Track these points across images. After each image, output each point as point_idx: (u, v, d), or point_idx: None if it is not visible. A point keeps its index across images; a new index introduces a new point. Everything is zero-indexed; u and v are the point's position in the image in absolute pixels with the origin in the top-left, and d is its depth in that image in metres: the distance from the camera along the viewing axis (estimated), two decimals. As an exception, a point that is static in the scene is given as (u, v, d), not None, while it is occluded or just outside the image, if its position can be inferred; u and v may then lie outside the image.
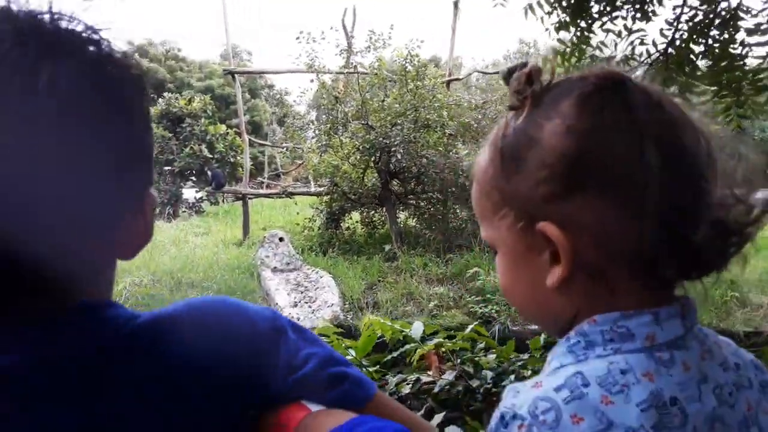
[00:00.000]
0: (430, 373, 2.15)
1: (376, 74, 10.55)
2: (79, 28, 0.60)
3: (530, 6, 2.71)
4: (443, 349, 2.18)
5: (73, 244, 0.59)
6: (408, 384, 2.00)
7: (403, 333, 2.28)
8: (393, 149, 9.88)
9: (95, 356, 0.60)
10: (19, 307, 0.59)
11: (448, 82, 12.44)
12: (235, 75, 12.56)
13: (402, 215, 11.43)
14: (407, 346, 2.24)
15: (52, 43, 0.57)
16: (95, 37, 0.61)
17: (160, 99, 16.76)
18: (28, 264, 0.56)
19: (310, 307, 8.24)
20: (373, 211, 11.35)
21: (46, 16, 0.59)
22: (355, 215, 11.56)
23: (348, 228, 11.50)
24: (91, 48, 0.60)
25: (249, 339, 0.70)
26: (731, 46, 2.32)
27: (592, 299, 0.62)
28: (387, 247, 10.09)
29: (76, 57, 0.58)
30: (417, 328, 2.29)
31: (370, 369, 2.11)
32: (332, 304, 8.15)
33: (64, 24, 0.60)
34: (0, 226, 0.54)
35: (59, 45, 0.58)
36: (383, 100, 10.53)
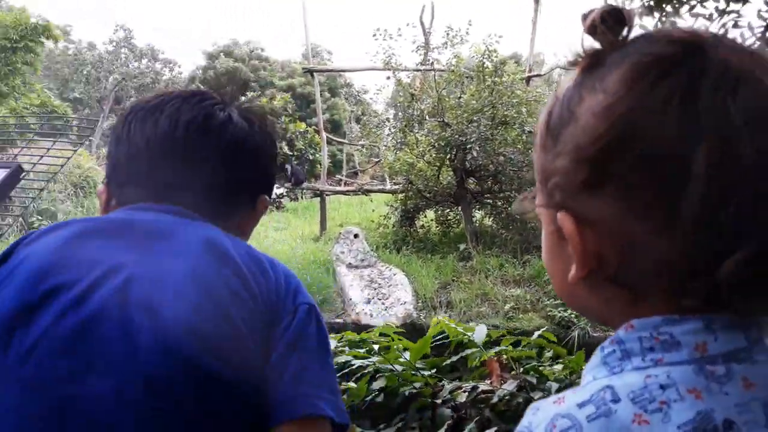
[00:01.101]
0: (489, 381, 2.02)
1: (453, 71, 10.39)
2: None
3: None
4: (505, 356, 2.05)
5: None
6: (465, 392, 1.88)
7: (466, 336, 2.16)
8: (469, 146, 9.70)
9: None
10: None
11: (528, 79, 12.10)
12: (314, 73, 12.75)
13: (478, 214, 11.21)
14: (468, 351, 2.13)
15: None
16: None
17: (242, 98, 17.30)
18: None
19: (383, 303, 8.25)
20: (448, 210, 11.21)
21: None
22: (430, 213, 11.46)
23: (422, 226, 11.41)
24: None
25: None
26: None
27: (619, 304, 0.53)
28: (462, 247, 9.94)
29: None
30: (480, 332, 2.16)
31: (425, 373, 2.01)
32: (405, 302, 8.13)
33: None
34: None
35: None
36: (460, 97, 10.36)
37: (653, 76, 0.48)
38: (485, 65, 10.00)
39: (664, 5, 2.44)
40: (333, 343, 2.23)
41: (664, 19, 2.38)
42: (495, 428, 1.63)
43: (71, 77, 30.76)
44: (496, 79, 9.98)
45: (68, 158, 2.30)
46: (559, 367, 2.11)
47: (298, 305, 0.89)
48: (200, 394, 0.76)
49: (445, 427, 1.68)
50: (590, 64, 0.53)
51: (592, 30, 0.53)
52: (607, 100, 0.49)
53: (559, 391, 2.00)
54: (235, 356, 0.79)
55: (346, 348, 2.21)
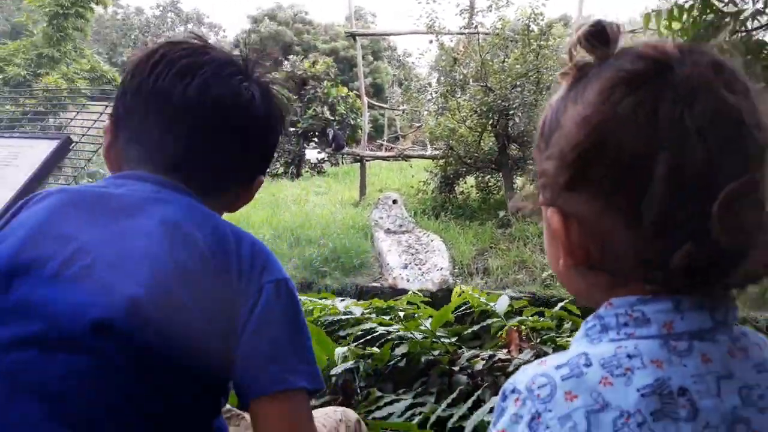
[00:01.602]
0: (508, 350, 2.06)
1: (498, 34, 10.19)
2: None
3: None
4: (524, 327, 2.08)
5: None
6: (482, 360, 1.93)
7: (489, 306, 2.20)
8: (512, 112, 9.57)
9: None
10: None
11: (575, 42, 11.76)
12: (356, 37, 12.67)
13: (519, 181, 11.10)
14: (489, 321, 2.17)
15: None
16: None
17: (286, 62, 17.35)
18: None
19: (420, 269, 8.32)
20: (488, 176, 11.13)
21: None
22: (470, 180, 11.40)
23: (462, 192, 11.38)
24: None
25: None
26: None
27: (602, 287, 0.61)
28: (501, 214, 9.88)
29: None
30: (502, 303, 2.20)
31: (445, 341, 2.06)
32: (441, 268, 8.18)
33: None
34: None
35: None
36: (504, 61, 10.17)
37: (623, 91, 0.55)
38: (531, 29, 9.76)
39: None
40: (359, 311, 2.30)
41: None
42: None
43: (119, 42, 31.34)
44: (542, 42, 9.76)
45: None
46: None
47: (263, 284, 0.89)
48: (146, 377, 0.81)
49: (457, 392, 1.75)
50: (577, 77, 0.59)
51: (578, 45, 0.59)
52: (585, 111, 0.58)
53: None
54: (185, 339, 0.81)
55: (373, 315, 2.28)
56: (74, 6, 14.05)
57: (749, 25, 2.13)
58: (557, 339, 2.10)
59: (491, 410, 1.62)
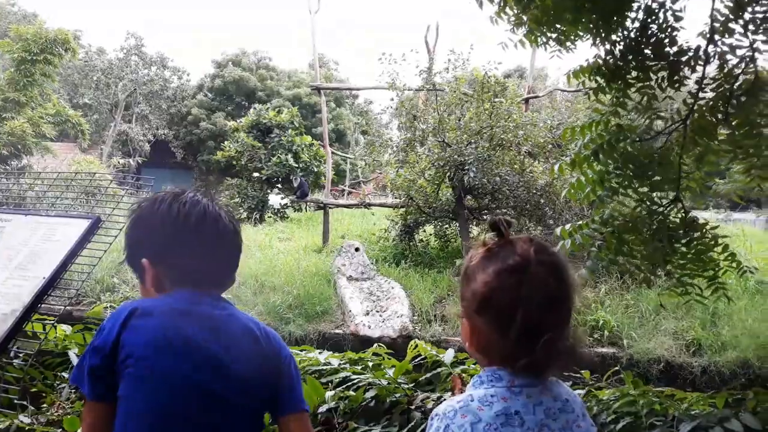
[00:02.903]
0: (452, 393, 2.56)
1: (454, 93, 10.90)
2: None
3: (574, 72, 3.06)
4: (465, 375, 2.61)
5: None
6: (432, 401, 2.46)
7: (438, 357, 2.73)
8: (467, 166, 10.19)
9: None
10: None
11: (527, 100, 12.64)
12: (321, 90, 13.30)
13: (475, 230, 11.70)
14: (439, 369, 2.69)
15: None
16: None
17: (251, 110, 17.83)
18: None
19: (381, 316, 8.70)
20: (446, 225, 11.68)
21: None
22: (429, 228, 11.93)
23: (421, 240, 11.89)
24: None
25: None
26: (751, 116, 2.57)
27: (485, 362, 1.17)
28: (458, 262, 10.36)
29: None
30: (449, 354, 2.75)
31: (405, 386, 2.58)
32: (402, 315, 8.58)
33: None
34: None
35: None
36: (460, 119, 10.87)
37: (505, 275, 1.10)
38: (485, 89, 10.50)
39: (614, 85, 2.97)
40: (336, 362, 2.81)
41: (615, 98, 2.91)
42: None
43: (81, 82, 31.20)
44: (495, 102, 10.50)
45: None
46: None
47: (283, 357, 1.52)
48: (229, 400, 1.41)
49: (413, 423, 2.29)
50: (487, 253, 1.12)
51: (490, 229, 1.10)
52: (485, 279, 1.12)
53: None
54: (250, 382, 1.43)
55: (347, 365, 2.78)
56: (43, 53, 14.27)
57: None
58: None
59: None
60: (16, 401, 2.49)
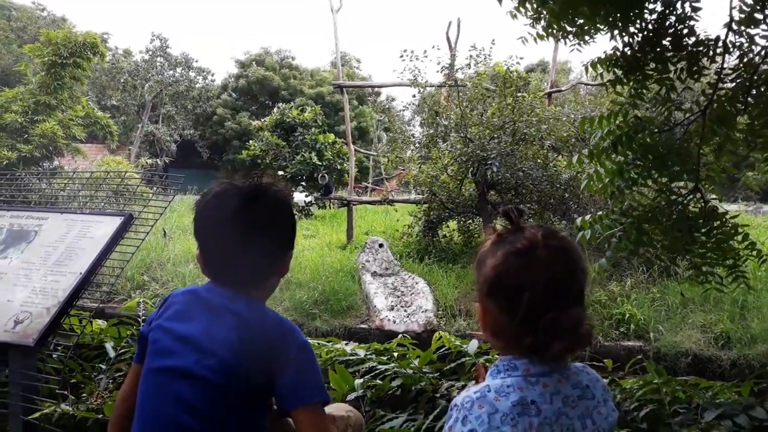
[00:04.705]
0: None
1: (477, 88, 10.91)
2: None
3: (592, 63, 3.08)
4: (488, 364, 2.66)
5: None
6: (457, 389, 2.52)
7: (463, 348, 2.79)
8: (490, 162, 10.18)
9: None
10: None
11: (550, 94, 12.58)
12: (344, 89, 13.39)
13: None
14: (463, 359, 2.75)
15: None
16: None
17: (275, 109, 18.01)
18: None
19: (405, 311, 8.76)
20: (469, 221, 11.68)
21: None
22: (452, 224, 11.95)
23: (444, 236, 11.91)
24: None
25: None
26: (770, 105, 2.57)
27: (501, 349, 1.20)
28: (482, 257, 10.39)
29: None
30: (473, 345, 2.80)
31: (430, 375, 2.65)
32: (426, 310, 8.64)
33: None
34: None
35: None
36: (482, 114, 10.86)
37: (513, 258, 1.14)
38: (507, 85, 10.49)
39: (633, 76, 2.99)
40: (362, 353, 2.89)
41: (633, 90, 2.93)
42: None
43: (108, 84, 31.80)
44: (518, 95, 10.48)
45: (164, 208, 2.86)
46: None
47: (290, 347, 1.48)
48: (232, 390, 1.45)
49: (439, 410, 2.36)
50: (497, 239, 1.18)
51: (502, 217, 1.14)
52: (494, 263, 1.15)
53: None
54: (252, 376, 1.45)
55: (373, 355, 2.86)
56: (72, 57, 14.60)
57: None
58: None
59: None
60: (57, 391, 2.61)
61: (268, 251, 1.56)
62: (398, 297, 9.26)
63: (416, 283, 9.62)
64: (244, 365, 1.44)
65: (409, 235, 11.96)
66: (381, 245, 10.70)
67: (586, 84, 14.20)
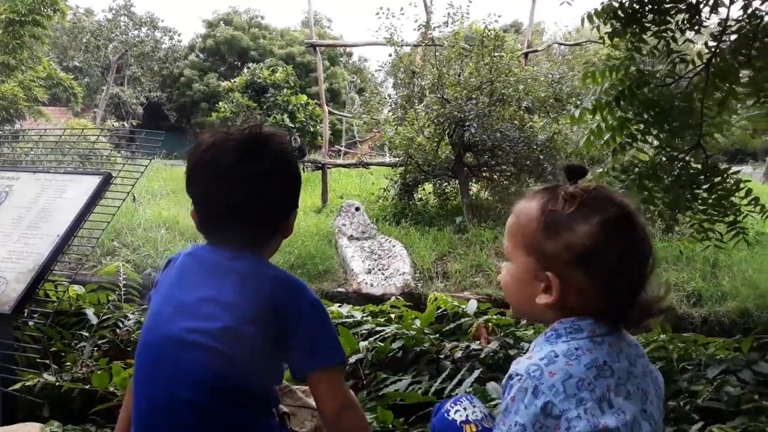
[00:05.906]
0: (479, 342, 2.59)
1: (453, 47, 10.73)
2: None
3: (588, 15, 2.98)
4: (490, 324, 2.61)
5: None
6: (460, 350, 2.47)
7: (461, 308, 2.73)
8: (467, 123, 10.08)
9: None
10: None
11: (526, 54, 12.47)
12: (316, 48, 13.06)
13: (474, 188, 11.65)
14: (463, 320, 2.69)
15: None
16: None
17: (245, 70, 17.57)
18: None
19: (383, 274, 8.74)
20: (446, 183, 11.63)
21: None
22: (428, 186, 11.88)
23: (421, 199, 11.85)
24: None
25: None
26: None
27: (555, 314, 1.10)
28: (458, 219, 10.41)
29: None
30: (471, 305, 2.75)
31: (431, 336, 2.58)
32: (404, 273, 8.62)
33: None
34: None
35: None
36: (459, 74, 10.71)
37: (610, 224, 1.04)
38: (484, 44, 10.33)
39: (630, 29, 2.90)
40: (358, 314, 2.80)
41: (630, 43, 2.84)
42: (479, 370, 2.24)
43: (70, 45, 30.63)
44: (495, 56, 10.33)
45: (141, 173, 2.69)
46: (530, 331, 2.69)
47: (301, 305, 1.34)
48: (227, 358, 1.29)
49: (446, 372, 2.28)
50: (580, 204, 1.07)
51: (574, 191, 1.08)
52: (591, 230, 1.04)
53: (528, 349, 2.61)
54: (260, 340, 1.31)
55: (369, 317, 2.78)
56: (31, 14, 13.92)
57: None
58: (516, 332, 2.66)
59: (473, 384, 2.14)
60: (38, 360, 2.49)
61: (274, 207, 1.41)
62: (375, 260, 9.22)
63: (393, 246, 9.58)
64: (250, 329, 1.29)
65: (385, 199, 11.87)
66: (357, 209, 10.60)
67: (561, 44, 14.11)
